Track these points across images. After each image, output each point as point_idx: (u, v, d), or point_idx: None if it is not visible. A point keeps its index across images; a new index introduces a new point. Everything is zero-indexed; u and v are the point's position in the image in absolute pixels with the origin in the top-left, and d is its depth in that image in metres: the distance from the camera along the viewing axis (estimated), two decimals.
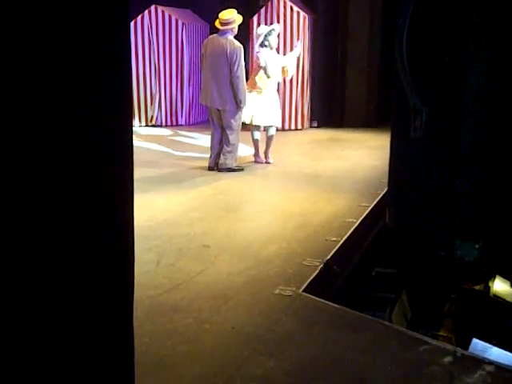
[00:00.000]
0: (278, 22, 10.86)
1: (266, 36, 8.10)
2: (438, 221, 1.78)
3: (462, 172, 1.68)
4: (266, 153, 8.37)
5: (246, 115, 8.01)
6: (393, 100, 1.90)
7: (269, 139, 8.32)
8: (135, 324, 1.43)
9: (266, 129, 8.29)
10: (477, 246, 1.69)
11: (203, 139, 9.86)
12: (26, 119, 1.06)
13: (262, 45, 8.15)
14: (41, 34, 1.07)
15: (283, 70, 8.29)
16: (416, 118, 1.69)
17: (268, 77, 8.03)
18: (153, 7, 11.87)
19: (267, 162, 8.34)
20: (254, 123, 8.15)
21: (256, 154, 8.41)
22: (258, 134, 8.25)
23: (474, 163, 1.68)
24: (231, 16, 7.53)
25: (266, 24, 11.26)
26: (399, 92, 1.76)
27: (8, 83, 1.03)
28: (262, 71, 8.06)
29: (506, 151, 1.65)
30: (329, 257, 4.41)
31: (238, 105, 7.53)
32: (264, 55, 8.10)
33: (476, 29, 1.61)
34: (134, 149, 1.38)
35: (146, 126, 12.05)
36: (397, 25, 1.70)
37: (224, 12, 7.61)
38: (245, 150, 9.17)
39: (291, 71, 8.50)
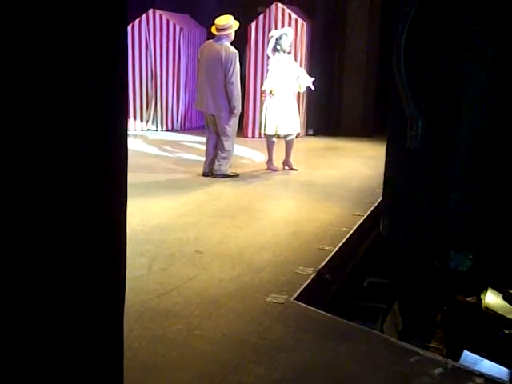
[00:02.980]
0: (276, 29, 10.87)
1: (277, 40, 8.07)
2: (433, 231, 1.78)
3: (457, 183, 1.68)
4: (287, 161, 8.34)
5: (269, 127, 8.03)
6: (389, 109, 1.90)
7: (288, 147, 8.28)
8: (125, 329, 1.42)
9: (284, 136, 8.26)
10: (470, 257, 1.69)
11: (198, 144, 9.86)
12: (22, 120, 1.06)
13: (275, 49, 8.12)
14: (38, 37, 1.06)
15: (298, 84, 8.27)
16: (412, 128, 1.69)
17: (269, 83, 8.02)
18: (151, 11, 11.88)
19: (292, 169, 8.30)
20: (278, 133, 8.15)
21: (269, 161, 8.36)
22: (274, 138, 8.23)
23: (469, 174, 1.67)
24: (227, 22, 7.52)
25: (263, 31, 11.31)
26: (396, 101, 1.76)
27: (6, 85, 1.02)
28: (271, 76, 8.04)
29: (501, 163, 1.65)
30: (322, 265, 4.40)
31: (231, 111, 7.51)
32: (275, 60, 8.08)
33: (474, 39, 1.61)
34: (129, 153, 1.38)
35: (142, 130, 12.04)
36: (395, 33, 1.70)
37: (220, 18, 7.60)
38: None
39: (304, 87, 8.39)
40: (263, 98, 8.27)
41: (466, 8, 1.63)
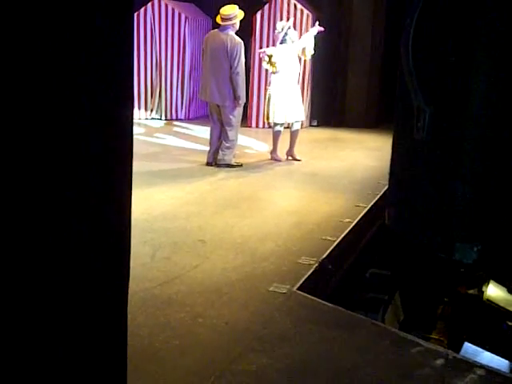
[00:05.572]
0: (281, 19, 10.83)
1: (286, 33, 8.07)
2: (438, 222, 1.78)
3: (464, 174, 1.68)
4: (291, 152, 8.34)
5: (278, 115, 8.03)
6: (396, 100, 1.90)
7: (293, 137, 8.27)
8: (129, 316, 1.43)
9: (290, 124, 8.26)
10: (475, 249, 1.69)
11: (202, 134, 9.85)
12: (25, 112, 1.06)
13: (282, 41, 8.11)
14: (41, 25, 1.07)
15: (303, 52, 8.23)
16: (419, 119, 1.69)
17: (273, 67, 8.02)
18: (156, 0, 11.84)
19: (296, 160, 8.30)
20: (287, 121, 8.16)
21: (274, 151, 8.35)
22: (281, 127, 8.23)
23: (476, 166, 1.67)
24: (232, 11, 7.50)
25: (268, 21, 11.26)
26: (403, 92, 1.76)
27: (9, 72, 1.02)
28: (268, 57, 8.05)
29: (509, 155, 1.65)
30: (324, 256, 4.41)
31: (236, 101, 7.51)
32: (281, 49, 8.08)
33: (483, 31, 1.61)
34: (134, 142, 1.38)
35: (146, 119, 12.04)
36: (404, 24, 1.69)
37: (225, 7, 7.58)
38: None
39: (309, 52, 8.31)
40: (262, 59, 8.34)
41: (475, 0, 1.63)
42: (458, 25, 1.66)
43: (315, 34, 8.33)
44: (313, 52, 8.38)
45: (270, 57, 8.00)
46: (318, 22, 8.36)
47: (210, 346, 3.05)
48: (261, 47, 11.33)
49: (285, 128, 8.31)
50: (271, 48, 8.27)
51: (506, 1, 1.60)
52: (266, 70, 10.94)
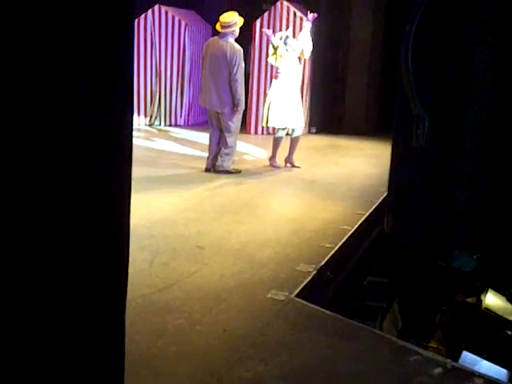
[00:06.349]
0: (281, 26, 10.87)
1: (285, 43, 8.09)
2: (437, 230, 1.78)
3: (463, 182, 1.68)
4: (290, 159, 8.32)
5: (278, 120, 8.03)
6: (395, 107, 1.90)
7: (293, 144, 8.27)
8: (126, 322, 1.43)
9: (290, 131, 8.25)
10: (474, 257, 1.69)
11: (201, 140, 9.86)
12: (25, 118, 1.06)
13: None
14: (43, 31, 1.07)
15: (301, 52, 8.24)
16: (418, 127, 1.69)
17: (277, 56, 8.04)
18: (156, 7, 11.87)
19: (295, 167, 8.29)
20: (287, 126, 8.16)
21: (272, 158, 8.34)
22: (283, 133, 8.23)
23: (475, 174, 1.67)
24: (232, 19, 7.52)
25: (268, 28, 11.28)
26: (402, 99, 1.76)
27: (10, 81, 1.02)
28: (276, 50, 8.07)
29: (507, 162, 1.65)
30: (322, 263, 4.41)
31: (235, 108, 7.52)
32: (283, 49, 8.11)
33: (481, 39, 1.61)
34: (133, 147, 1.38)
35: (146, 125, 12.04)
36: (403, 32, 1.70)
37: (225, 15, 7.60)
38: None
39: (307, 51, 8.32)
40: (267, 36, 8.43)
41: (473, 7, 1.63)
42: (457, 33, 1.66)
43: (310, 26, 8.33)
44: (311, 48, 8.39)
45: (275, 48, 8.01)
46: (308, 11, 8.37)
47: (207, 352, 3.04)
48: (260, 54, 11.36)
49: (288, 135, 8.32)
50: (277, 40, 8.24)
51: (503, 9, 1.61)
52: (266, 73, 11.02)
